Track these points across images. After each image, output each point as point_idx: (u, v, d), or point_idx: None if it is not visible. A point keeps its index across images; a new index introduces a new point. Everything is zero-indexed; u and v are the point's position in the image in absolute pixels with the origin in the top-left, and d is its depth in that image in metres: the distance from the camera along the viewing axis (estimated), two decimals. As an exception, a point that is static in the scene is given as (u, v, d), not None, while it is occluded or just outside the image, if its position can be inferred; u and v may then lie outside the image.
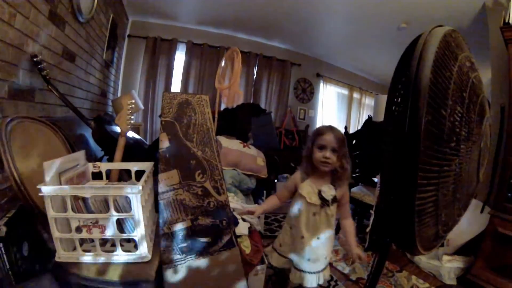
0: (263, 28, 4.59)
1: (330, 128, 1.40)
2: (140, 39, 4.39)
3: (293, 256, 1.48)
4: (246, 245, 1.61)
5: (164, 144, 1.31)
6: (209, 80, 4.65)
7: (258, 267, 1.62)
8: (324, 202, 1.37)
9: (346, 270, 2.25)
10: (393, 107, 0.57)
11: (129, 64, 4.43)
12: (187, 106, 1.36)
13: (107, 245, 1.27)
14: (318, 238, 1.40)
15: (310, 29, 4.44)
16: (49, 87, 1.84)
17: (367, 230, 2.70)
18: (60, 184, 1.18)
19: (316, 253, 1.41)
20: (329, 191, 1.38)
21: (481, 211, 2.27)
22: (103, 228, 1.16)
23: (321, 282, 1.45)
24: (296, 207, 1.45)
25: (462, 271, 2.21)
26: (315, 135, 1.42)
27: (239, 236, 1.61)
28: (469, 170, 0.65)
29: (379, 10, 3.54)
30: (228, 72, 2.61)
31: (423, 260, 2.35)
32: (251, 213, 1.47)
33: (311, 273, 1.42)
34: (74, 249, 1.17)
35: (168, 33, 4.49)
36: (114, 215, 1.14)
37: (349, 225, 1.48)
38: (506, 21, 2.24)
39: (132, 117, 1.55)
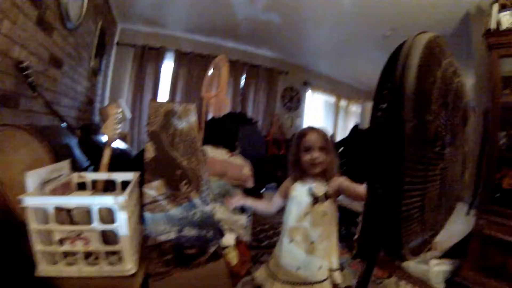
0: (251, 36, 4.62)
1: (312, 128, 1.39)
2: (128, 47, 4.36)
3: (279, 266, 1.30)
4: (232, 257, 1.59)
5: (149, 154, 1.29)
6: (197, 89, 4.60)
7: (245, 279, 1.60)
8: (315, 199, 1.27)
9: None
10: (378, 113, 0.57)
11: (117, 72, 4.39)
12: (173, 115, 1.35)
13: (91, 258, 1.23)
14: (311, 243, 1.25)
15: (298, 37, 4.51)
16: (35, 94, 1.80)
17: (355, 238, 2.71)
18: (43, 195, 1.15)
19: (308, 260, 1.25)
20: (319, 187, 1.29)
21: (467, 214, 2.31)
22: (87, 241, 1.13)
23: None
24: (287, 210, 1.36)
25: (450, 274, 2.22)
26: (299, 137, 1.37)
27: (225, 248, 1.59)
28: (454, 174, 0.66)
29: (366, 18, 3.64)
30: (216, 80, 2.60)
31: (412, 265, 2.36)
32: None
33: (299, 284, 1.24)
34: (56, 262, 1.13)
35: (157, 41, 4.47)
36: (98, 227, 1.11)
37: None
38: (489, 27, 2.30)
39: (119, 126, 1.52)
